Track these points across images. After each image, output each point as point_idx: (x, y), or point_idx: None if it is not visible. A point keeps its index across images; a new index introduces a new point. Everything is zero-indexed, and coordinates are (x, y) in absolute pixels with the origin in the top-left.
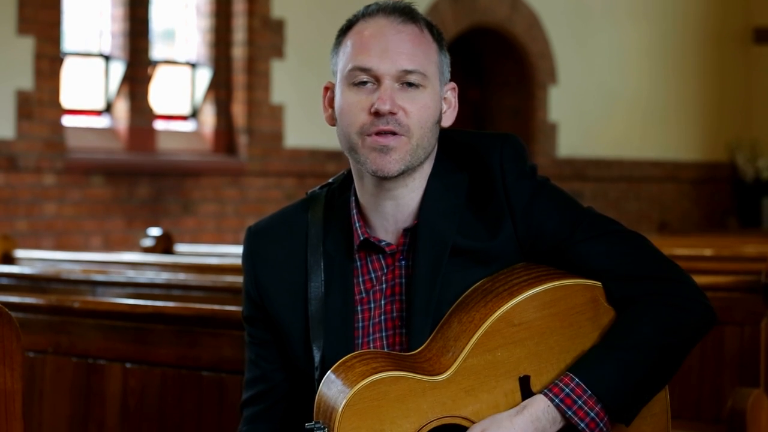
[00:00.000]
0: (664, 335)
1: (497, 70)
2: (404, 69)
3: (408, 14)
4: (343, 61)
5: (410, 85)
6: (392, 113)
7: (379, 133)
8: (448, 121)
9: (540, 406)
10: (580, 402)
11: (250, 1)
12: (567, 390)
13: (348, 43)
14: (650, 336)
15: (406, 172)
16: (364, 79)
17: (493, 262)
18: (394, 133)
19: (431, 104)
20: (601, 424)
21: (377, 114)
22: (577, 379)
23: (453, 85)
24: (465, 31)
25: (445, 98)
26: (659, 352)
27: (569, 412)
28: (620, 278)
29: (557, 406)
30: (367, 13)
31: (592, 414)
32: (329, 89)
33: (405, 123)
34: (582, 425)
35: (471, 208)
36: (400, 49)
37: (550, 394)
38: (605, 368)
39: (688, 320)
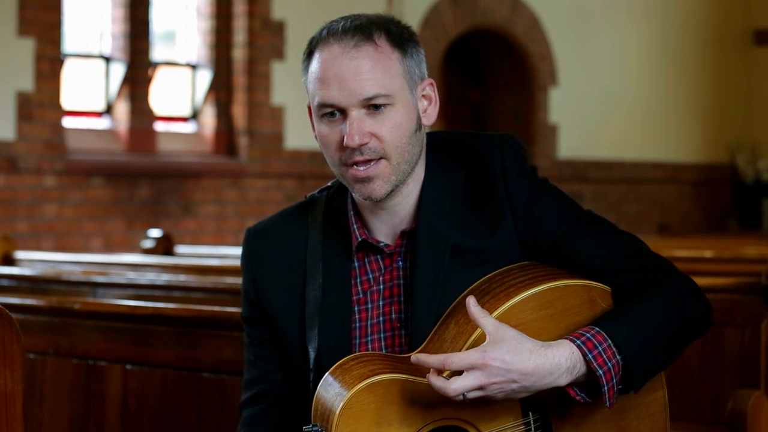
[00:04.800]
0: (674, 312)
1: (497, 72)
2: (365, 97)
3: (360, 32)
4: (310, 90)
5: (377, 107)
6: (363, 144)
7: (357, 163)
8: (430, 119)
9: (564, 349)
10: (600, 348)
11: (251, 3)
12: (588, 335)
13: (311, 71)
14: (662, 310)
15: (396, 187)
16: (331, 111)
17: (494, 261)
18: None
19: (403, 119)
20: (615, 380)
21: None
22: (596, 328)
23: (430, 81)
24: (465, 33)
25: (424, 95)
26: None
27: (589, 356)
28: (623, 271)
29: (579, 347)
30: (321, 39)
31: (609, 364)
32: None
33: (379, 148)
34: (600, 372)
35: (469, 206)
36: (358, 78)
37: (571, 336)
38: (623, 324)
39: (694, 308)
